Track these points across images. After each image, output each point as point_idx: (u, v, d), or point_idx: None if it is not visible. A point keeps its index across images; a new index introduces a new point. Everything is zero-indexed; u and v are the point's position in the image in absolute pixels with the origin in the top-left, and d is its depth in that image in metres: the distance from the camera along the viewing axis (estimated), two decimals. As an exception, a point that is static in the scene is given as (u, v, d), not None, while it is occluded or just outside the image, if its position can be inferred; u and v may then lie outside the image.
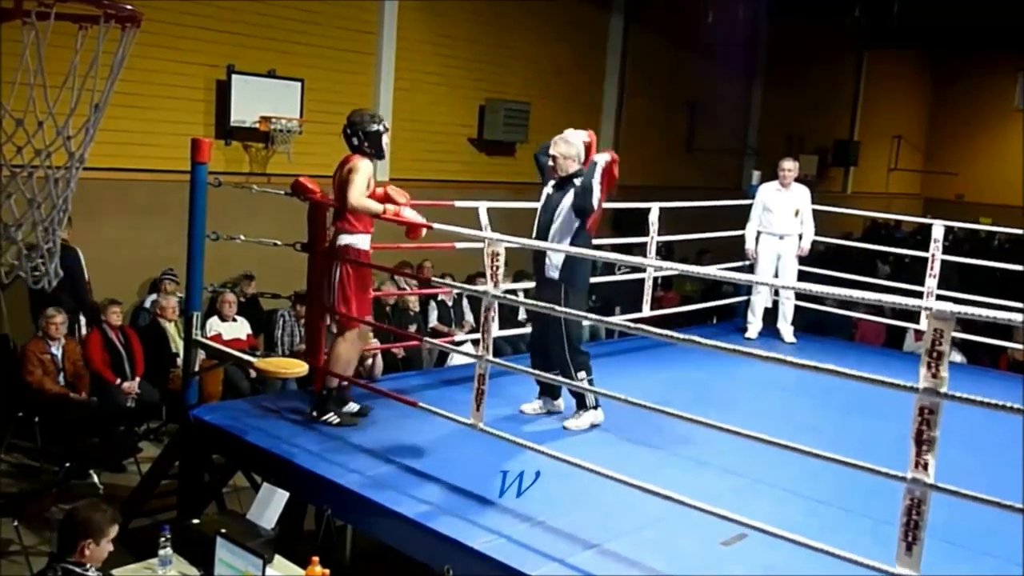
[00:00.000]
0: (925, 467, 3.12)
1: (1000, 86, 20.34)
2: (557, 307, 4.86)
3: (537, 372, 5.24)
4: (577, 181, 5.29)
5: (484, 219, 6.29)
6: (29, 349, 7.11)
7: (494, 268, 4.49)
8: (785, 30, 15.80)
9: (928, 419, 3.10)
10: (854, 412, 5.88)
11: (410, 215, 5.26)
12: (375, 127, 5.22)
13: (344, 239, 5.26)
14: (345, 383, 5.39)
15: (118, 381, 7.41)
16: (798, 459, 3.70)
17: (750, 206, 8.20)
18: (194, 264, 5.60)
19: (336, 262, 5.28)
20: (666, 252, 11.75)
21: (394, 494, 4.35)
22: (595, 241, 5.86)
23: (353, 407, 5.38)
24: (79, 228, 7.03)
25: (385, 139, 5.31)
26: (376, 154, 5.28)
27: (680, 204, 8.21)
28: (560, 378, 5.18)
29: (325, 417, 5.26)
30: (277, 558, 4.26)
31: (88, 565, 3.52)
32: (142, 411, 7.54)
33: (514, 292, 7.59)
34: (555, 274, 5.31)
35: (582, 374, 5.32)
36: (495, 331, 4.59)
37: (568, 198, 5.27)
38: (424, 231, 5.36)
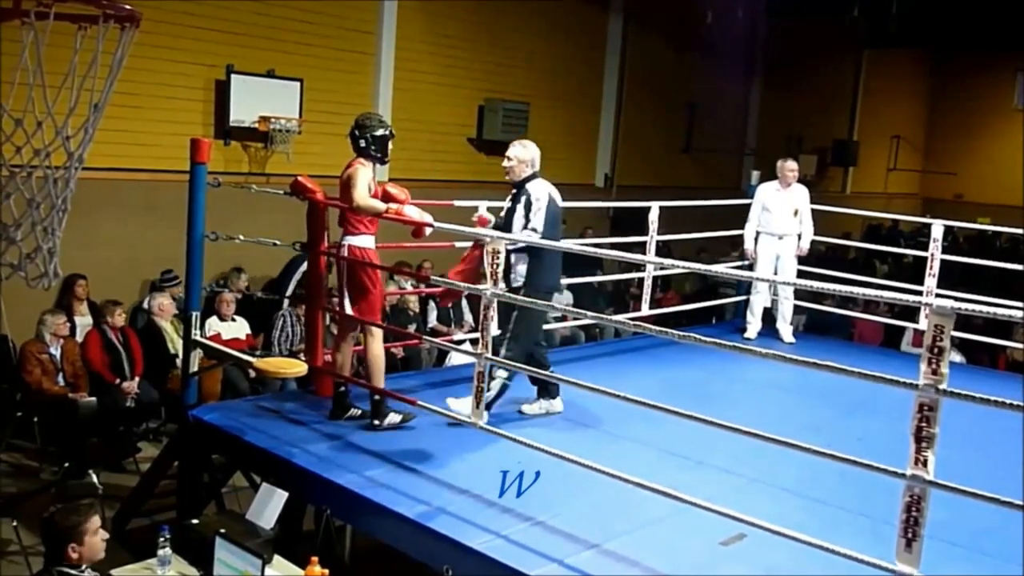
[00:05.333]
0: (925, 464, 3.12)
1: (999, 86, 20.30)
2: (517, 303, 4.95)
3: (535, 370, 5.24)
4: (529, 187, 5.34)
5: (485, 217, 6.28)
6: (28, 349, 7.11)
7: (494, 266, 4.49)
8: (784, 30, 15.80)
9: (928, 416, 3.10)
10: (854, 412, 5.89)
11: (412, 213, 5.27)
12: (382, 131, 5.28)
13: (349, 240, 5.29)
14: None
15: (117, 381, 7.40)
16: (798, 459, 3.71)
17: (749, 206, 8.21)
18: (193, 264, 5.60)
19: (343, 264, 5.31)
20: (665, 252, 11.75)
21: (393, 494, 4.35)
22: (597, 240, 5.86)
23: (355, 412, 5.39)
24: (78, 228, 7.02)
25: (390, 145, 5.36)
26: (381, 158, 5.33)
27: (679, 203, 8.22)
28: (556, 376, 5.17)
29: (387, 420, 5.24)
30: (276, 558, 4.26)
31: (83, 566, 3.52)
32: (141, 411, 7.53)
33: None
34: (520, 281, 5.34)
35: (503, 372, 5.26)
36: (494, 330, 4.59)
37: (520, 210, 5.33)
38: (429, 230, 5.37)
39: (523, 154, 5.41)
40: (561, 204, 5.49)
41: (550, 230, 5.32)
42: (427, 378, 6.65)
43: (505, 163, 5.47)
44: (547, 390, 5.60)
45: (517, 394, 5.60)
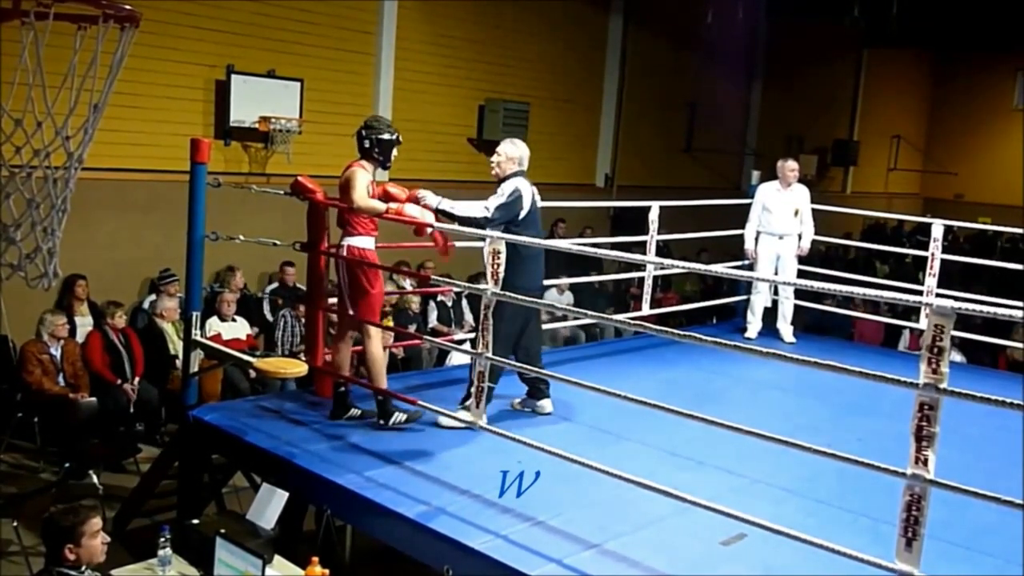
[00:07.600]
0: (925, 463, 3.12)
1: (999, 85, 20.33)
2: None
3: (534, 369, 5.23)
4: (504, 183, 5.31)
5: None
6: (28, 349, 7.10)
7: (495, 266, 4.49)
8: (784, 29, 15.80)
9: (928, 415, 3.10)
10: (854, 412, 5.88)
11: (413, 212, 5.26)
12: (388, 135, 5.28)
13: (349, 241, 5.29)
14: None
15: (118, 382, 7.40)
16: (798, 459, 3.71)
17: (749, 206, 8.20)
18: (193, 265, 5.60)
19: (343, 265, 5.31)
20: (665, 252, 11.75)
21: (394, 494, 4.35)
22: (596, 240, 5.85)
23: (356, 412, 5.39)
24: (78, 228, 7.03)
25: (395, 151, 5.34)
26: (383, 162, 5.32)
27: (679, 203, 8.22)
28: (548, 373, 5.15)
29: (392, 420, 5.24)
30: (277, 558, 4.26)
31: (83, 567, 3.51)
32: (142, 411, 7.53)
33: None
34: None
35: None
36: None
37: None
38: (430, 229, 5.35)
39: (512, 151, 5.39)
40: (538, 203, 5.42)
41: (525, 229, 5.21)
42: (428, 378, 6.65)
43: (493, 158, 5.45)
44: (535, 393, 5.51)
45: (509, 391, 5.63)
